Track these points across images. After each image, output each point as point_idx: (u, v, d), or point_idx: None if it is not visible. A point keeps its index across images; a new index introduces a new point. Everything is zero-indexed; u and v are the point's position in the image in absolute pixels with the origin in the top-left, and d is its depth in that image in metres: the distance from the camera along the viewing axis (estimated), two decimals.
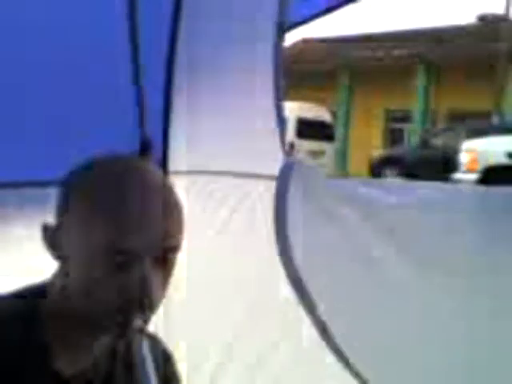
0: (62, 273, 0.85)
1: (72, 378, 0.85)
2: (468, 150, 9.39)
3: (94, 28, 1.43)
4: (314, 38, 20.25)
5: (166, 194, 0.84)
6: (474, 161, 9.11)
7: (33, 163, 1.42)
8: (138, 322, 0.80)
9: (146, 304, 0.80)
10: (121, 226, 0.78)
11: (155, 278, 0.80)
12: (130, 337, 0.80)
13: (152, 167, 0.87)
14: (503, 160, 8.70)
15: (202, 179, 1.67)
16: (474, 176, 8.74)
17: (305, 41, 20.31)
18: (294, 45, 19.79)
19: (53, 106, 1.45)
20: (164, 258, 0.82)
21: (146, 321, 0.82)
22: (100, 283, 0.80)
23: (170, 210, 0.82)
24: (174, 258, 0.84)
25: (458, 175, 9.35)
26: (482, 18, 18.62)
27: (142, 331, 0.80)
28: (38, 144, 1.45)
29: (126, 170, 0.82)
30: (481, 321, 1.16)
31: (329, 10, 1.57)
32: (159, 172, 0.88)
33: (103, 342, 0.88)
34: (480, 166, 8.91)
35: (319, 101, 16.40)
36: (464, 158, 9.39)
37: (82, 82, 1.47)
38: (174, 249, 0.83)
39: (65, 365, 0.85)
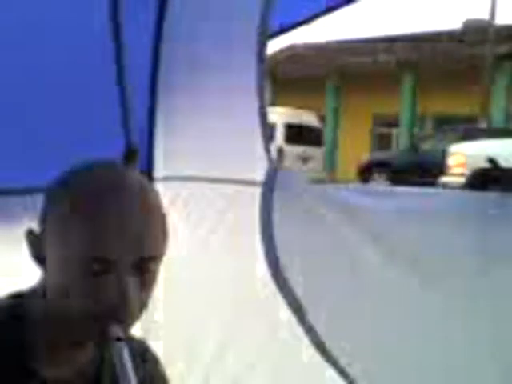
0: (44, 278, 0.84)
1: (56, 382, 0.85)
2: (455, 154, 9.35)
3: (76, 29, 1.41)
4: (303, 43, 20.35)
5: (148, 202, 0.82)
6: (461, 164, 9.07)
7: (12, 168, 1.40)
8: (116, 330, 0.79)
9: (123, 312, 0.79)
10: (97, 234, 0.78)
11: (133, 287, 0.79)
12: (108, 344, 0.79)
13: (135, 174, 0.85)
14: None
15: (189, 185, 1.66)
16: (461, 180, 8.70)
17: (293, 46, 20.39)
18: (282, 50, 19.87)
19: (34, 107, 1.43)
20: (143, 267, 0.80)
21: (125, 329, 0.81)
22: (76, 290, 0.79)
23: (151, 218, 0.81)
24: (155, 267, 0.82)
25: (444, 179, 9.35)
26: (468, 24, 18.82)
27: (120, 339, 0.79)
28: (19, 147, 1.43)
29: (106, 178, 0.81)
30: (457, 322, 1.18)
31: (329, 9, 1.57)
32: (142, 179, 0.85)
33: (87, 348, 0.87)
34: (467, 170, 8.87)
35: (307, 106, 16.47)
36: (451, 161, 9.34)
37: (64, 82, 1.45)
38: (154, 258, 0.81)
39: (49, 369, 0.85)
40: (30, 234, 0.84)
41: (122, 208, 0.79)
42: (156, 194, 0.85)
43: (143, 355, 0.98)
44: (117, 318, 0.79)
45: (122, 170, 0.84)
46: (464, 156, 9.09)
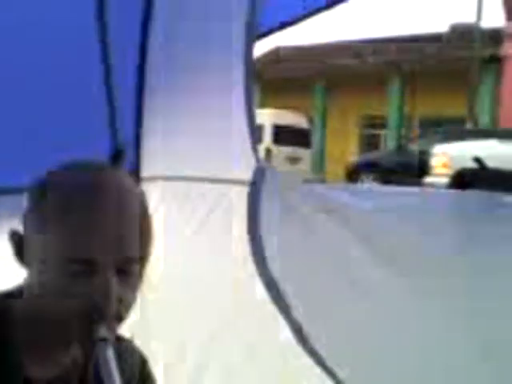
0: (28, 278, 0.84)
1: (46, 382, 0.84)
2: (438, 154, 9.36)
3: (63, 28, 1.41)
4: (289, 45, 20.38)
5: (129, 202, 0.81)
6: (445, 165, 9.04)
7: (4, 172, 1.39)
8: (101, 331, 0.79)
9: (106, 312, 0.79)
10: (77, 235, 0.77)
11: (118, 287, 0.79)
12: (93, 345, 0.79)
13: (117, 174, 0.84)
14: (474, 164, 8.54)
15: (176, 184, 1.66)
16: (444, 180, 8.61)
17: (281, 48, 20.42)
18: (270, 52, 19.88)
19: (22, 106, 1.43)
20: (126, 268, 0.80)
21: (110, 329, 0.80)
22: (59, 291, 0.79)
23: (132, 219, 0.80)
24: (138, 268, 0.82)
25: (429, 179, 9.37)
26: (455, 27, 18.94)
27: (105, 340, 0.79)
28: (13, 152, 1.42)
29: (86, 178, 0.80)
30: (456, 321, 1.17)
31: (328, 6, 1.58)
32: (125, 179, 0.84)
33: (72, 348, 0.86)
34: (451, 170, 8.82)
35: (296, 107, 16.49)
36: (434, 162, 9.33)
37: (51, 81, 1.45)
38: (138, 259, 0.81)
39: (35, 369, 0.84)
40: (14, 235, 0.84)
41: (101, 208, 0.78)
42: (139, 195, 0.84)
43: (131, 356, 0.97)
44: (101, 318, 0.79)
45: (102, 170, 0.83)
46: (447, 157, 9.12)
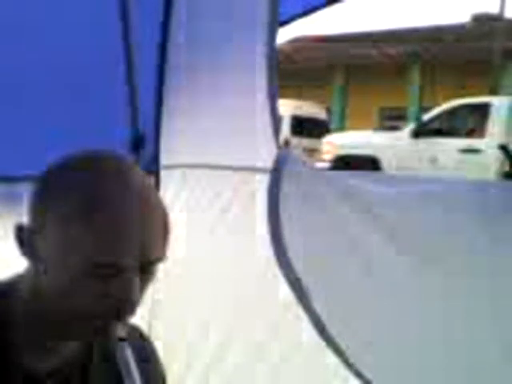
0: (35, 271, 0.81)
1: (44, 375, 0.84)
2: (325, 143, 11.76)
3: (87, 28, 1.43)
4: (309, 35, 20.24)
5: (154, 205, 0.79)
6: (328, 151, 11.38)
7: (23, 160, 1.41)
8: (119, 331, 0.78)
9: (126, 314, 0.78)
10: (103, 238, 0.74)
11: (137, 288, 0.78)
12: (110, 344, 0.79)
13: (139, 172, 0.81)
14: (353, 151, 10.94)
15: (196, 173, 1.67)
16: (327, 165, 10.77)
17: (299, 39, 20.29)
18: (289, 43, 19.77)
19: (44, 104, 1.45)
20: (147, 269, 0.79)
21: (125, 328, 0.80)
22: (77, 291, 0.77)
23: (158, 221, 0.78)
24: (158, 267, 0.81)
25: (318, 164, 10.34)
26: (477, 17, 18.64)
27: (123, 339, 0.78)
28: (31, 143, 1.44)
29: (111, 174, 0.77)
30: (457, 301, 1.16)
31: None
32: (145, 179, 0.82)
33: (73, 343, 0.85)
34: (333, 156, 11.18)
35: (314, 98, 16.39)
36: (323, 149, 11.66)
37: (74, 81, 1.47)
38: (159, 260, 0.80)
39: (35, 363, 0.83)
40: (21, 229, 0.79)
41: (127, 211, 0.75)
42: (158, 194, 0.82)
43: (149, 354, 0.97)
44: (119, 318, 0.78)
45: (128, 167, 0.80)
46: (331, 145, 11.46)
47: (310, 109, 14.93)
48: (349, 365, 1.25)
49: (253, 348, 1.50)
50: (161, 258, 0.79)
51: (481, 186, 1.24)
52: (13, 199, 1.37)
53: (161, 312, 1.68)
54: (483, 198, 1.17)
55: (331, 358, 1.28)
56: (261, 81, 1.39)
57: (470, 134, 10.62)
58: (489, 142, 9.63)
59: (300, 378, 1.44)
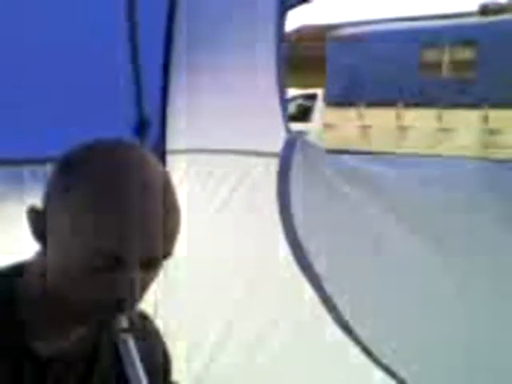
0: (43, 254, 0.80)
1: (50, 359, 0.83)
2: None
3: (92, 9, 1.42)
4: (314, 23, 20.13)
5: (169, 200, 0.77)
6: None
7: (31, 142, 1.41)
8: (122, 322, 0.78)
9: (129, 306, 0.77)
10: (108, 230, 0.73)
11: (140, 280, 0.76)
12: (112, 335, 0.78)
13: (159, 168, 0.79)
14: None
15: (201, 157, 1.66)
16: None
17: (304, 27, 20.18)
18: (295, 31, 19.67)
19: (51, 85, 1.45)
20: (153, 264, 0.78)
21: (128, 319, 0.80)
22: (78, 279, 0.76)
23: (170, 217, 0.76)
24: (163, 262, 0.79)
25: None
26: (484, 5, 18.47)
27: (126, 330, 0.78)
28: (37, 122, 1.44)
29: (124, 166, 0.75)
30: (480, 299, 1.16)
31: None
32: (166, 176, 0.80)
33: (81, 330, 0.85)
34: None
35: (319, 86, 16.33)
36: None
37: (79, 61, 1.47)
38: (166, 256, 0.78)
39: (42, 346, 0.82)
40: (32, 211, 0.79)
41: (142, 205, 0.74)
42: (173, 187, 0.80)
43: (153, 343, 0.95)
44: (121, 311, 0.77)
45: (142, 157, 0.78)
46: None
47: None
48: (380, 364, 1.23)
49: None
50: (166, 256, 0.78)
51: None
52: (15, 181, 1.37)
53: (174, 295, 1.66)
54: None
55: (331, 336, 1.27)
56: (268, 62, 1.39)
57: None
58: None
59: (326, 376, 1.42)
